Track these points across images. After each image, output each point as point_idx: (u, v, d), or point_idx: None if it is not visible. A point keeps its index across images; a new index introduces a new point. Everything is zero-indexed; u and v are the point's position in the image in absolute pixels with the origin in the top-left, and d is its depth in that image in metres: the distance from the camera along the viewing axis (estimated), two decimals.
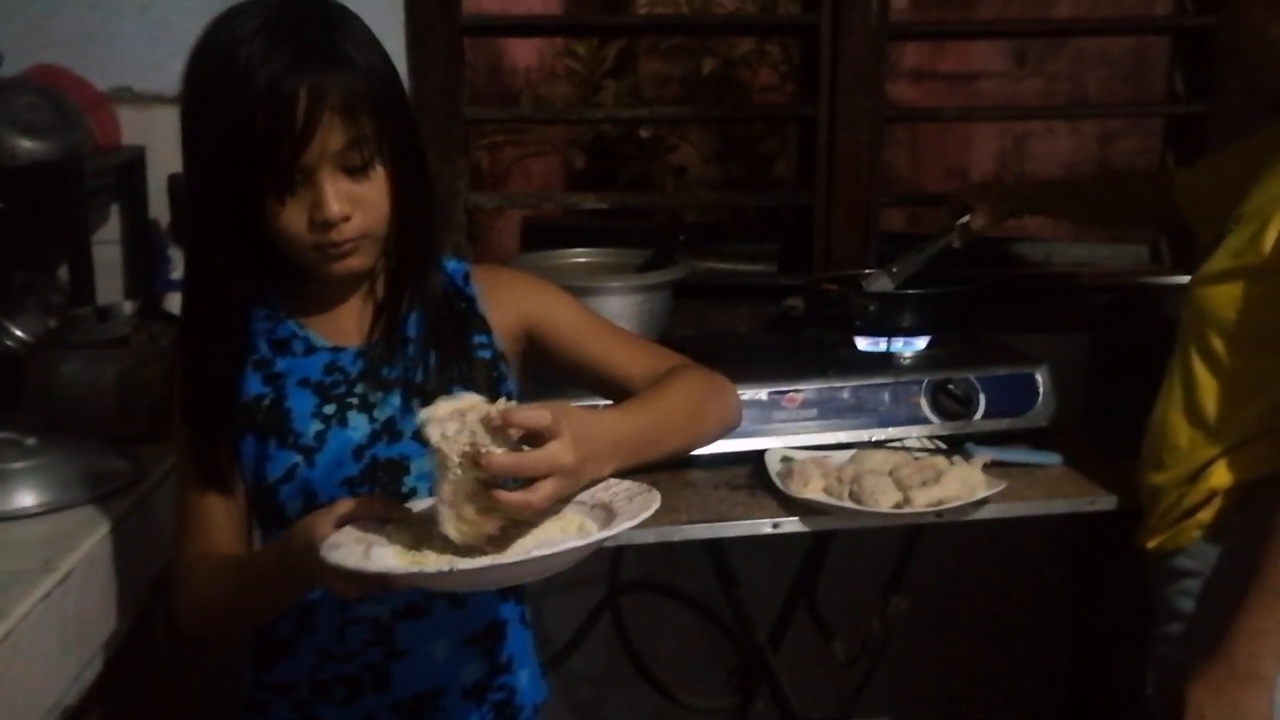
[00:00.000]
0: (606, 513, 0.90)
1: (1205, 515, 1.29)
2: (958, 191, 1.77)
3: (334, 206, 0.94)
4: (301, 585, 0.94)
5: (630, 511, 0.86)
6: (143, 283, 1.77)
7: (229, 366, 1.02)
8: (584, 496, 0.92)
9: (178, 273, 1.69)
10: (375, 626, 1.03)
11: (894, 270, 1.76)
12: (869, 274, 1.79)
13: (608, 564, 1.86)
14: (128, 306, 1.55)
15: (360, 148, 0.94)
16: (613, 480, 0.93)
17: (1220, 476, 1.27)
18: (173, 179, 1.72)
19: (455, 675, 1.06)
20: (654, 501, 0.87)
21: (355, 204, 0.95)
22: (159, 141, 1.76)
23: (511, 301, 1.09)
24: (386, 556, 0.87)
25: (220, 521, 1.03)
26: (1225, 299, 1.26)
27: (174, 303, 1.66)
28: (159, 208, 1.78)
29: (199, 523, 1.03)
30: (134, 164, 1.75)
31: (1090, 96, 3.92)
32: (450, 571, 0.80)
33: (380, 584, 0.84)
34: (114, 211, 1.77)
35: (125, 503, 1.21)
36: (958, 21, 3.78)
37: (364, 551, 0.86)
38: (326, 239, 0.95)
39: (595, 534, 0.83)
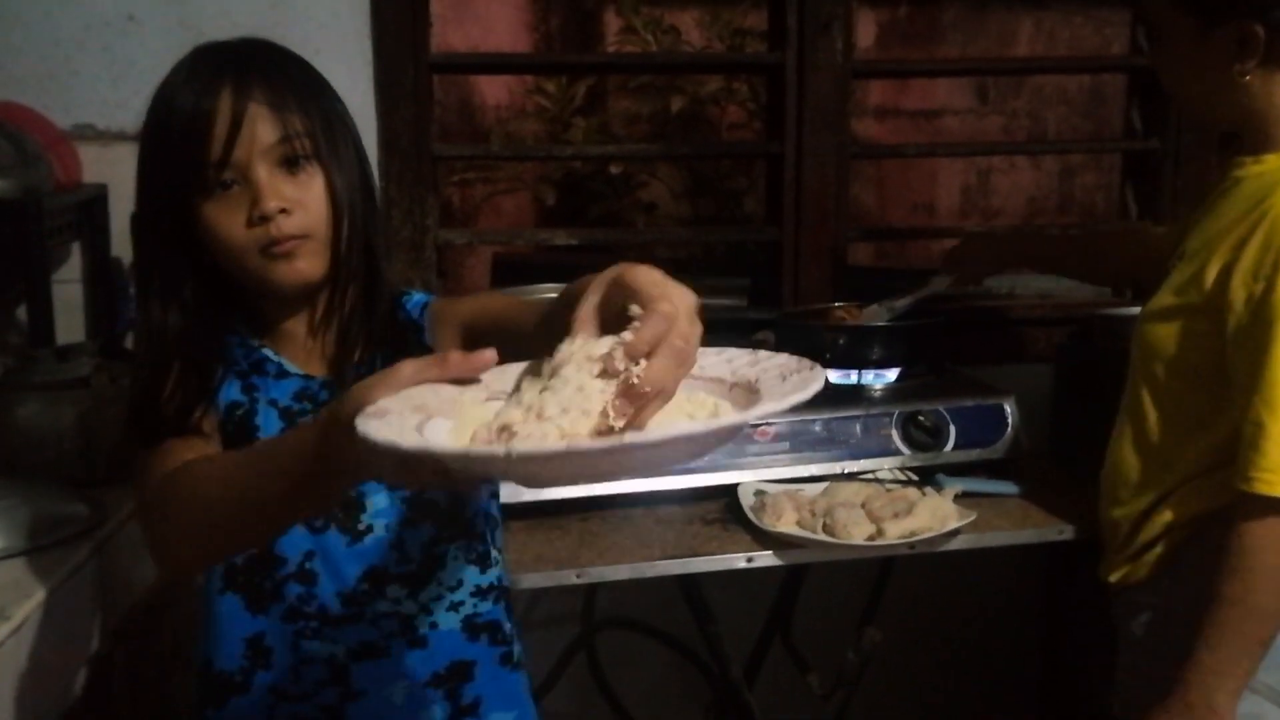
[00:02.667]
0: (749, 393, 0.68)
1: (1161, 548, 1.29)
2: (961, 238, 1.80)
3: (270, 201, 0.93)
4: (339, 474, 0.72)
5: (780, 392, 0.65)
6: (104, 322, 1.74)
7: (203, 381, 0.99)
8: (723, 371, 0.72)
9: None
10: (330, 666, 1.01)
11: (892, 305, 1.78)
12: (868, 308, 1.81)
13: (581, 602, 1.84)
14: (89, 347, 1.53)
15: (292, 142, 0.95)
16: (762, 354, 0.72)
17: (1174, 510, 1.28)
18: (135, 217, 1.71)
19: (415, 719, 1.04)
20: (816, 380, 0.65)
21: (294, 202, 0.95)
22: (121, 179, 1.73)
23: (451, 322, 1.08)
24: (443, 434, 0.64)
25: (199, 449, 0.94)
26: (1170, 336, 1.27)
27: None
28: (122, 246, 1.76)
29: (173, 449, 0.93)
30: (95, 202, 1.73)
31: (1050, 132, 3.99)
32: (507, 455, 0.57)
33: (428, 468, 0.63)
34: (75, 250, 1.75)
35: (84, 548, 1.18)
36: (921, 60, 3.85)
37: (418, 425, 0.63)
38: (267, 235, 0.94)
39: (727, 418, 0.62)
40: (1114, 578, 1.35)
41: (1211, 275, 1.21)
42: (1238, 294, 1.18)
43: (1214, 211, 1.28)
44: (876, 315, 1.79)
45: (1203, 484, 1.25)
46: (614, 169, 3.37)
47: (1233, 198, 1.25)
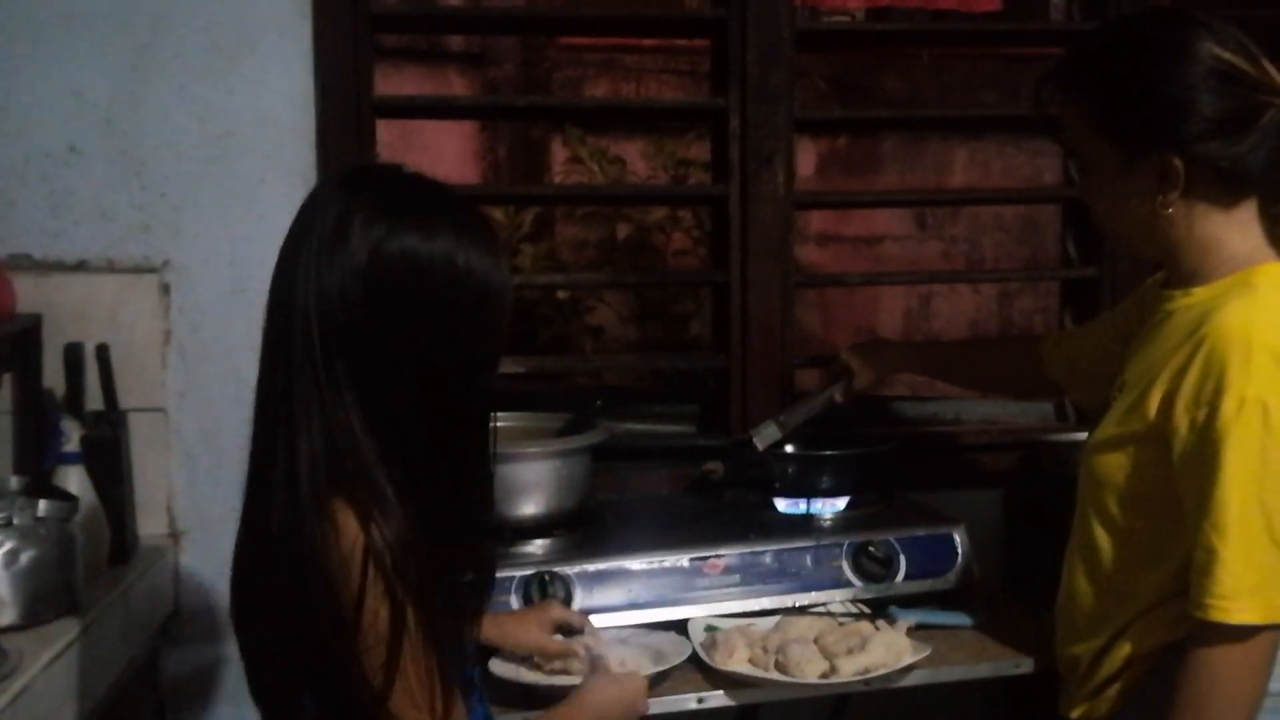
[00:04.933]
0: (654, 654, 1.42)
1: (1123, 683, 1.27)
2: (839, 352, 1.80)
3: None
4: None
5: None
6: (32, 457, 1.68)
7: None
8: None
9: (70, 446, 1.61)
10: None
11: (782, 420, 1.77)
12: (760, 427, 1.79)
13: None
14: (14, 483, 1.47)
15: None
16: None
17: (1133, 643, 1.26)
18: (69, 348, 1.67)
19: None
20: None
21: None
22: (57, 309, 1.70)
23: None
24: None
25: None
26: (1117, 466, 1.27)
27: (65, 478, 1.58)
28: (54, 378, 1.71)
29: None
30: (29, 332, 1.68)
31: (988, 258, 4.11)
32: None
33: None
34: (5, 381, 1.69)
35: None
36: (860, 191, 3.96)
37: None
38: None
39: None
40: (1075, 714, 1.33)
41: (1154, 404, 1.22)
42: (1181, 420, 1.18)
43: (1149, 342, 1.30)
44: (769, 434, 1.77)
45: (1161, 614, 1.24)
46: (561, 294, 3.39)
47: (1167, 329, 1.27)
